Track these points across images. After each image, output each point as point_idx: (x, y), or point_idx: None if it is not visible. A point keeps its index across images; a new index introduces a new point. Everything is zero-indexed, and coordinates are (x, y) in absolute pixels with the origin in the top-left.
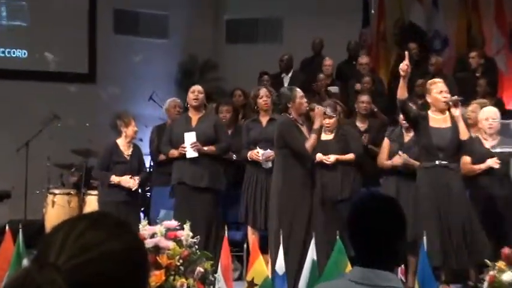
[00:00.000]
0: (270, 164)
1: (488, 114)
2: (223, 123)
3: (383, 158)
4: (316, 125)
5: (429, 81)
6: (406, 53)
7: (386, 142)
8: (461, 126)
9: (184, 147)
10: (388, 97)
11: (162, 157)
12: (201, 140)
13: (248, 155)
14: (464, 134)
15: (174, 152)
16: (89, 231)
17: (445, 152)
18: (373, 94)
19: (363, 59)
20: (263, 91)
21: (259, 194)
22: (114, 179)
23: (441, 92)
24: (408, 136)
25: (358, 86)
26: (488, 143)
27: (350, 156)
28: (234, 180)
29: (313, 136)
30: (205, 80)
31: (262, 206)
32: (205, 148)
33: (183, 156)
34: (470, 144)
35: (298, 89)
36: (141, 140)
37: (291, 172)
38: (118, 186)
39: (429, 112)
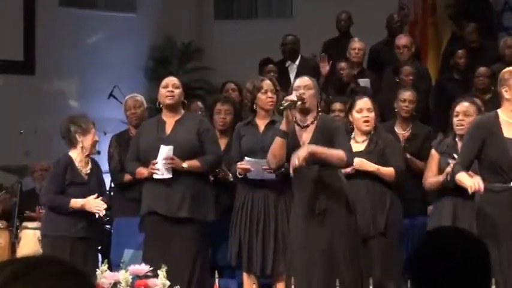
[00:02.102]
0: (269, 176)
1: None
2: (210, 127)
3: (430, 177)
4: (282, 124)
5: (506, 70)
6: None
7: (434, 156)
8: None
9: (156, 163)
10: (436, 93)
11: (127, 177)
12: (179, 152)
13: (236, 170)
14: None
15: (142, 171)
16: (12, 286)
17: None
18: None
19: (401, 40)
20: (267, 84)
21: (255, 225)
22: (76, 203)
23: None
24: None
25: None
26: None
27: (389, 170)
28: (230, 208)
29: (276, 140)
30: (186, 70)
31: (259, 241)
32: (185, 164)
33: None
34: None
35: (304, 78)
36: (98, 153)
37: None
38: (76, 214)
39: (500, 113)
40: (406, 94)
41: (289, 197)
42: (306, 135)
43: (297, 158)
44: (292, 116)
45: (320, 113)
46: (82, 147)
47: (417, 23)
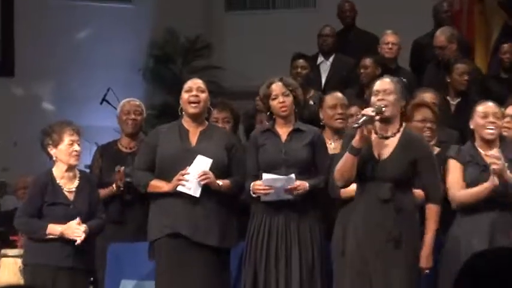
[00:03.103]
0: (287, 196)
1: None
2: (239, 143)
3: (458, 189)
4: (355, 137)
5: None
6: None
7: (457, 166)
8: None
9: (186, 174)
10: (481, 96)
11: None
12: (212, 169)
13: (250, 188)
14: None
15: (160, 185)
16: None
17: None
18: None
19: (437, 38)
20: (276, 87)
21: (273, 253)
22: (54, 229)
23: None
24: (487, 156)
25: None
26: None
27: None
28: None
29: (346, 156)
30: (192, 70)
31: (282, 274)
32: (220, 183)
33: (173, 192)
34: None
35: (385, 80)
36: (89, 167)
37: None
38: (58, 240)
39: None
40: (427, 95)
41: (313, 219)
42: (385, 149)
43: None
44: (369, 130)
45: (404, 124)
46: (57, 160)
47: (462, 12)
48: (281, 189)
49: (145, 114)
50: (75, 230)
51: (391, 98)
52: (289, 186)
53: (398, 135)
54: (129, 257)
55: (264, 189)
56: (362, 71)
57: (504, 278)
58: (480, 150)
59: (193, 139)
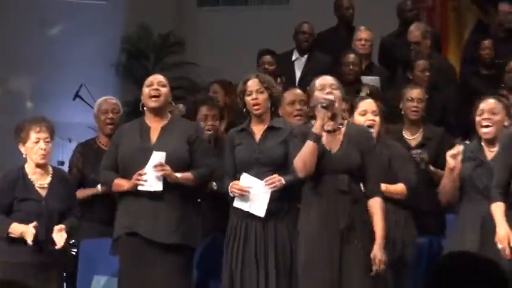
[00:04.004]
0: (268, 193)
1: None
2: (203, 136)
3: (449, 187)
4: (315, 126)
5: None
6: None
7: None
8: None
9: (143, 174)
10: (460, 91)
11: (96, 189)
12: (170, 164)
13: (229, 188)
14: None
15: (122, 183)
16: None
17: None
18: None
19: (411, 34)
20: (251, 84)
21: (252, 253)
22: (15, 229)
23: None
24: (492, 152)
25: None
26: None
27: (398, 187)
28: (219, 228)
29: (307, 144)
30: (164, 66)
31: (262, 275)
32: (178, 175)
33: (135, 190)
34: None
35: (327, 77)
36: (62, 163)
37: (305, 212)
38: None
39: None
40: (414, 92)
41: (291, 222)
42: (333, 143)
43: None
44: (328, 118)
45: (344, 119)
46: (27, 156)
47: (436, 8)
48: (255, 197)
49: (122, 112)
50: (29, 231)
51: (337, 93)
52: (267, 179)
53: (343, 129)
54: (101, 253)
55: (240, 190)
56: (351, 67)
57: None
58: (485, 146)
59: (154, 136)
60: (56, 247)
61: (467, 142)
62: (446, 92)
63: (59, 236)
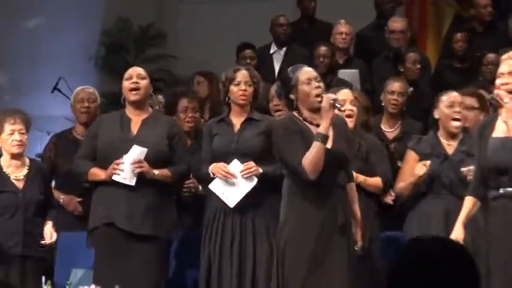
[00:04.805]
0: (248, 186)
1: None
2: (182, 131)
3: (402, 180)
4: (322, 126)
5: (504, 56)
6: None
7: (413, 158)
8: None
9: (121, 163)
10: (433, 84)
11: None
12: (147, 157)
13: (210, 168)
14: None
15: (98, 173)
16: None
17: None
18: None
19: (396, 23)
20: (241, 74)
21: (228, 243)
22: None
23: (504, 74)
24: (451, 146)
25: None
26: None
27: (375, 181)
28: (197, 223)
29: (316, 145)
30: (145, 59)
31: (235, 264)
32: (156, 172)
33: (111, 180)
34: None
35: (306, 68)
36: (40, 156)
37: (292, 205)
38: (7, 227)
39: (503, 110)
40: (396, 85)
41: (270, 213)
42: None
43: None
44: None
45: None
46: (2, 149)
47: (415, 2)
48: (233, 187)
49: (99, 101)
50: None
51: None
52: (243, 165)
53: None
54: (79, 246)
55: (226, 173)
56: (321, 60)
57: (434, 266)
58: (443, 140)
59: (135, 128)
60: (44, 242)
61: (423, 137)
62: (425, 86)
63: (49, 232)
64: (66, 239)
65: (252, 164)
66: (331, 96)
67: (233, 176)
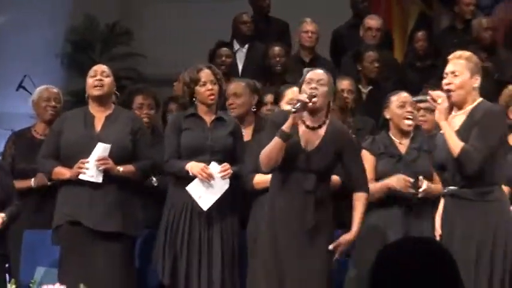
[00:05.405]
0: (223, 189)
1: None
2: (145, 127)
3: (378, 191)
4: (285, 124)
5: (450, 56)
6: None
7: (368, 158)
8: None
9: (86, 162)
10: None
11: (39, 180)
12: (113, 154)
13: (188, 167)
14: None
15: (63, 171)
16: None
17: (449, 171)
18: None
19: (373, 21)
20: (205, 74)
21: (196, 240)
22: None
23: (448, 74)
24: (403, 145)
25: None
26: None
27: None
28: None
29: (274, 140)
30: (111, 57)
31: (203, 264)
32: (121, 168)
33: (76, 179)
34: None
35: (317, 70)
36: (1, 154)
37: (263, 203)
38: None
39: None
40: (345, 83)
41: (233, 209)
42: (312, 141)
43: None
44: (301, 118)
45: (329, 116)
46: None
47: (380, 1)
48: (210, 190)
49: (62, 104)
50: None
51: (323, 89)
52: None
53: (324, 127)
54: (44, 244)
55: (207, 174)
56: (278, 59)
57: (416, 267)
58: (395, 139)
59: (98, 125)
60: None
61: (376, 137)
62: (389, 86)
63: None
64: (30, 237)
65: (228, 165)
66: (300, 97)
67: (213, 178)
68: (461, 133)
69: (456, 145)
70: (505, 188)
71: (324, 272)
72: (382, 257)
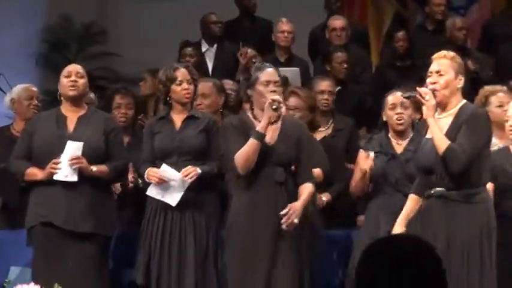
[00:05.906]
0: (186, 183)
1: None
2: (118, 127)
3: (360, 185)
4: (260, 125)
5: (435, 55)
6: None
7: (361, 156)
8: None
9: (59, 162)
10: (374, 82)
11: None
12: (85, 154)
13: (146, 173)
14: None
15: (36, 172)
16: None
17: (437, 173)
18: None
19: (337, 21)
20: (181, 73)
21: (168, 239)
22: None
23: (433, 73)
24: (400, 145)
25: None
26: None
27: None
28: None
29: (249, 141)
30: (87, 56)
31: (174, 259)
32: (94, 168)
33: (49, 179)
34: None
35: (269, 69)
36: None
37: (234, 199)
38: None
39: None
40: (324, 84)
41: (210, 208)
42: (271, 135)
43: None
44: (278, 117)
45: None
46: None
47: (355, 1)
48: (171, 188)
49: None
50: None
51: (280, 89)
52: (183, 170)
53: (279, 121)
54: (17, 243)
55: (157, 178)
56: (254, 60)
57: (401, 263)
58: (393, 139)
59: (71, 125)
60: None
61: (374, 136)
62: (362, 84)
63: None
64: (3, 237)
65: (190, 169)
66: (274, 97)
67: (164, 180)
68: (449, 135)
69: (442, 143)
70: (489, 185)
71: (296, 263)
72: (368, 254)
